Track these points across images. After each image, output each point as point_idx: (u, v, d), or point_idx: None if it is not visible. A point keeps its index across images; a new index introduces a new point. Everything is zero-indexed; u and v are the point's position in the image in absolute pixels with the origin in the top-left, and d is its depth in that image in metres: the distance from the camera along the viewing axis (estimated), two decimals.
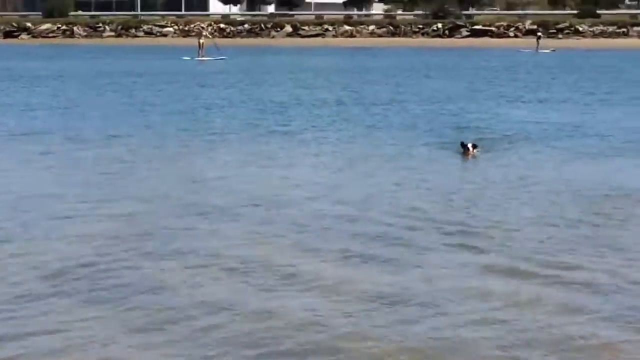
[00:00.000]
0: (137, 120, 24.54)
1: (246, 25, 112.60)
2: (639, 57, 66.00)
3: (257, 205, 12.99)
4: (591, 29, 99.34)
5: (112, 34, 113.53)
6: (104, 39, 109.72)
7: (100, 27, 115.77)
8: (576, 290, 8.94)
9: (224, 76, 44.97)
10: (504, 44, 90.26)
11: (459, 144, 17.90)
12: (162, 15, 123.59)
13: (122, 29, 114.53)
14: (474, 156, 17.34)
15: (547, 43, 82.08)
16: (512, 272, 9.51)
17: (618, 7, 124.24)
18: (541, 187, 14.43)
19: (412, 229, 11.46)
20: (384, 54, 75.00)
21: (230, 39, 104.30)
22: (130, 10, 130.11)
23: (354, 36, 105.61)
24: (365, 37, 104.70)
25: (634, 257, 10.16)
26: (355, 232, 11.33)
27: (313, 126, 23.21)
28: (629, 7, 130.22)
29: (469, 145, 17.56)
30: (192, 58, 62.06)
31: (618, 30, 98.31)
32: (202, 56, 62.71)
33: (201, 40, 64.54)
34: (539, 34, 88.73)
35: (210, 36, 67.23)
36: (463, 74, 47.56)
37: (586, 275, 9.44)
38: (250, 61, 62.01)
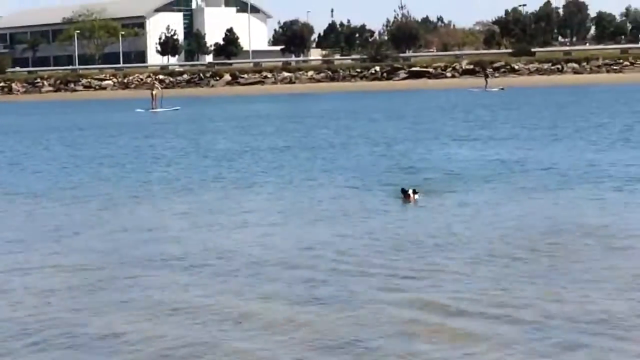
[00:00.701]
0: (86, 173, 24.62)
1: (185, 76, 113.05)
2: (575, 92, 67.17)
3: (196, 254, 13.11)
4: (526, 67, 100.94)
5: (51, 88, 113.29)
6: (43, 94, 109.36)
7: (38, 82, 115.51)
8: (503, 325, 9.12)
9: (175, 126, 45.08)
10: (442, 85, 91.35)
11: (400, 190, 17.67)
12: (100, 69, 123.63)
13: (60, 83, 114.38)
14: (415, 201, 17.13)
15: (493, 82, 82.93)
16: (439, 310, 9.69)
17: (551, 45, 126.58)
18: (479, 227, 14.58)
19: (345, 273, 11.55)
20: (324, 98, 75.51)
21: (170, 90, 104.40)
22: (68, 65, 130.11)
23: (293, 82, 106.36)
24: (305, 82, 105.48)
25: (565, 292, 10.36)
26: (288, 277, 11.41)
27: (259, 173, 23.30)
28: (561, 44, 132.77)
29: (410, 191, 17.38)
30: (146, 110, 62.03)
31: (553, 67, 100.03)
32: (155, 107, 62.66)
33: (154, 92, 64.48)
34: (488, 72, 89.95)
35: (159, 88, 67.12)
36: (408, 115, 47.95)
37: (513, 311, 9.63)
38: (197, 111, 62.10)
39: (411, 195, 17.27)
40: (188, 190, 20.51)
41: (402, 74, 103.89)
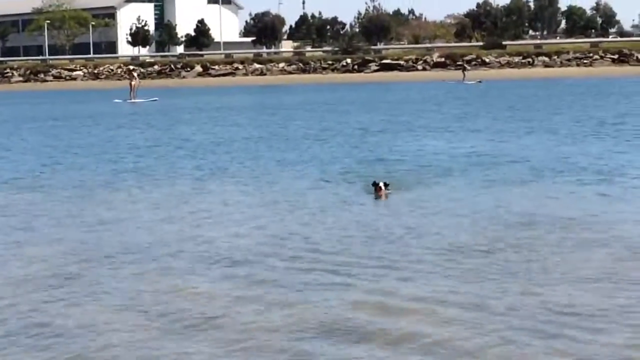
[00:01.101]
0: (62, 163, 24.67)
1: (156, 67, 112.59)
2: (549, 85, 67.52)
3: (166, 245, 13.11)
4: (497, 60, 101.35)
5: (21, 79, 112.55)
6: (12, 84, 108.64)
7: (8, 72, 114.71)
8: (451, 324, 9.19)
9: (150, 117, 44.95)
10: (414, 78, 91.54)
11: (372, 183, 17.53)
12: (71, 59, 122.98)
13: (30, 73, 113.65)
14: (385, 195, 17.00)
15: (469, 74, 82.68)
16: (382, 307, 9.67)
17: (522, 38, 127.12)
18: (448, 220, 14.67)
19: (306, 271, 11.51)
20: (296, 90, 75.42)
21: (141, 80, 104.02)
22: (38, 55, 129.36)
23: (265, 74, 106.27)
24: (276, 74, 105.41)
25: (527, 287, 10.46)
26: (247, 273, 11.44)
27: (232, 164, 23.29)
28: (532, 37, 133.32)
29: (381, 184, 17.22)
30: (124, 100, 61.57)
31: (524, 61, 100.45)
32: (134, 98, 62.24)
33: (133, 82, 64.04)
34: (466, 65, 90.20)
35: (137, 79, 66.51)
36: (381, 107, 47.98)
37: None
38: (171, 102, 61.57)
39: (382, 188, 17.13)
40: (162, 181, 20.51)
41: (374, 66, 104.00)
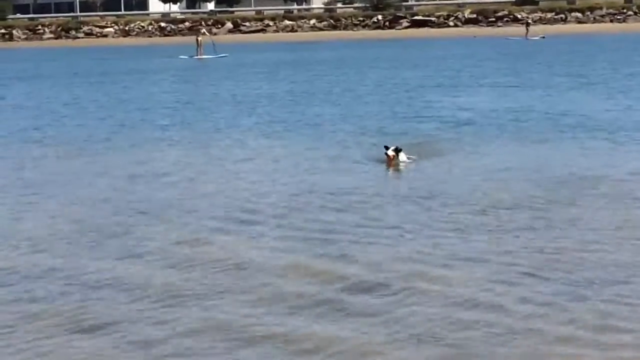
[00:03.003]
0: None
1: (187, 23, 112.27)
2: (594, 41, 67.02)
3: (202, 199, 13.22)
4: (529, 16, 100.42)
5: (52, 36, 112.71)
6: (43, 42, 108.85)
7: (39, 29, 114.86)
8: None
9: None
10: (445, 34, 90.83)
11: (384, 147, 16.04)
12: (102, 16, 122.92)
13: (62, 30, 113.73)
14: (395, 161, 15.67)
15: (525, 31, 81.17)
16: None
17: None
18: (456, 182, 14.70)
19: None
20: (334, 47, 74.58)
21: (171, 37, 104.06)
22: (69, 12, 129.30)
23: (295, 31, 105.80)
24: (307, 31, 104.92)
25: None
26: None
27: (268, 122, 23.46)
28: None
29: (389, 151, 15.71)
30: (191, 57, 61.01)
31: (556, 17, 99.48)
32: (201, 54, 61.72)
33: (199, 38, 63.54)
34: (529, 21, 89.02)
35: (208, 34, 65.79)
36: (431, 64, 47.39)
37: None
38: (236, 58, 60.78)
39: (390, 154, 15.70)
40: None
41: (405, 22, 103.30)
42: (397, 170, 15.55)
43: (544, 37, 76.09)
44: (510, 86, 31.77)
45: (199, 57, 61.10)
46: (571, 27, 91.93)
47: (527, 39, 76.38)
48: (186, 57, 61.01)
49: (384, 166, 15.82)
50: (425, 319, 7.89)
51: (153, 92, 34.76)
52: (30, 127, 23.60)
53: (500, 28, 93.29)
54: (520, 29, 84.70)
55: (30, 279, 9.46)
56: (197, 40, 63.77)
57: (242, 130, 21.62)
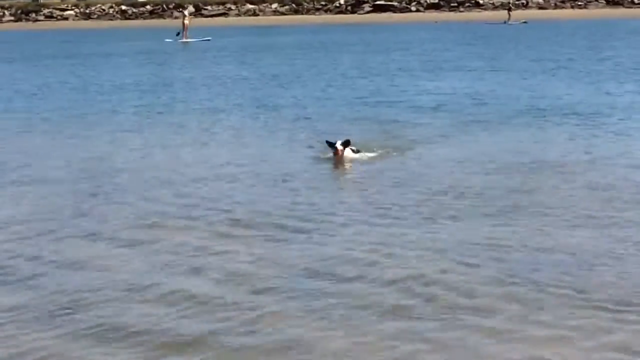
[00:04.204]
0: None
1: (148, 7, 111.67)
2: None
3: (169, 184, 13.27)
4: (491, 2, 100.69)
5: (12, 18, 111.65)
6: (3, 24, 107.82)
7: None
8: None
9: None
10: (407, 19, 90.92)
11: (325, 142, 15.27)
12: None
13: (22, 13, 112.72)
14: (342, 156, 14.74)
15: (507, 15, 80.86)
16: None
17: None
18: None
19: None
20: (297, 31, 74.38)
21: (132, 21, 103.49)
22: None
23: (257, 15, 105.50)
24: (269, 15, 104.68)
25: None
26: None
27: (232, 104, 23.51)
28: None
29: (338, 145, 14.80)
30: (175, 40, 60.61)
31: (517, 2, 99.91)
32: (186, 37, 61.35)
33: (185, 22, 63.12)
34: (511, 5, 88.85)
35: (188, 17, 65.38)
36: (403, 48, 47.41)
37: None
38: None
39: (339, 148, 14.76)
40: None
41: (367, 7, 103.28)
42: (344, 166, 14.64)
43: (525, 22, 76.11)
44: (482, 70, 31.97)
45: (183, 40, 60.74)
46: (533, 13, 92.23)
47: (508, 23, 76.40)
48: (171, 40, 60.66)
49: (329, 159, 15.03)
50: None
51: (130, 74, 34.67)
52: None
53: (462, 13, 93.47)
54: (499, 14, 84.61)
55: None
56: (183, 23, 63.50)
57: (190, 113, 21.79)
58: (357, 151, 15.14)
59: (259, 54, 45.51)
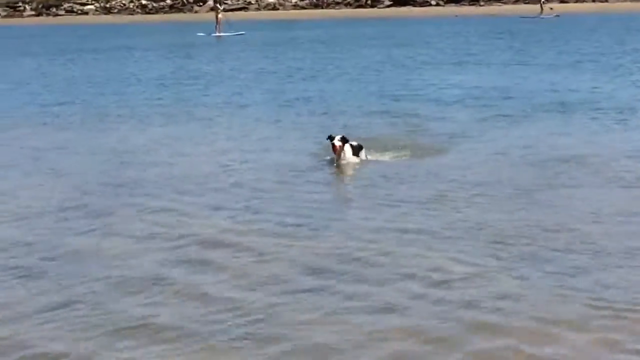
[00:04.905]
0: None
1: (168, 1, 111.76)
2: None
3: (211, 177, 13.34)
4: None
5: (33, 12, 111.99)
6: (24, 19, 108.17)
7: (20, 6, 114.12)
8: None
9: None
10: (427, 13, 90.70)
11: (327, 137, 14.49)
12: None
13: (42, 7, 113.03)
14: (342, 152, 14.03)
15: (540, 9, 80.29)
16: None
17: None
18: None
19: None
20: (318, 25, 74.15)
21: (153, 15, 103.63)
22: None
23: (277, 9, 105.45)
24: (289, 9, 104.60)
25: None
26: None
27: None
28: None
29: (335, 140, 14.04)
30: (209, 34, 60.45)
31: None
32: (220, 32, 61.27)
33: (219, 16, 63.04)
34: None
35: (221, 10, 65.22)
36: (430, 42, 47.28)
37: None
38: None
39: (337, 144, 14.01)
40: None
41: (387, 1, 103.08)
42: (344, 163, 14.03)
43: (558, 16, 75.63)
44: (507, 64, 31.92)
45: (217, 34, 60.51)
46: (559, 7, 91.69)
47: (540, 17, 75.92)
48: (203, 34, 60.49)
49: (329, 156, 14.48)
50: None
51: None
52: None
53: (482, 7, 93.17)
54: (522, 7, 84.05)
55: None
56: (216, 17, 63.43)
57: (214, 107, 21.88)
58: (360, 147, 14.38)
59: (281, 48, 45.53)
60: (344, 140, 14.04)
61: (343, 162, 13.94)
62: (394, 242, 9.60)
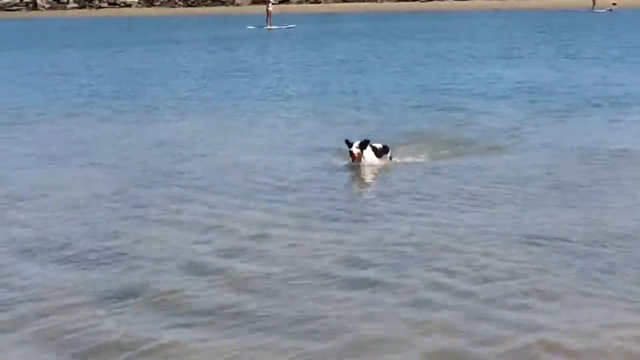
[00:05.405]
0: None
1: None
2: None
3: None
4: None
5: (76, 5, 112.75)
6: (67, 11, 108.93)
7: None
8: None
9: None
10: (469, 7, 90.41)
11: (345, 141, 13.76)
12: None
13: (85, 0, 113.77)
14: (361, 158, 13.35)
15: (592, 3, 79.61)
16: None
17: None
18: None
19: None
20: (361, 18, 74.05)
21: (195, 8, 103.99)
22: None
23: (319, 2, 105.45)
24: (330, 2, 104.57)
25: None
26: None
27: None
28: None
29: (353, 148, 13.32)
30: (260, 27, 60.50)
31: None
32: (270, 24, 61.29)
33: (269, 8, 63.13)
34: None
35: (274, 3, 65.49)
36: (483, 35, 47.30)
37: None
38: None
39: (355, 151, 13.30)
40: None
41: None
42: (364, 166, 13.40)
43: (611, 10, 74.96)
44: (554, 58, 31.75)
45: (268, 27, 60.42)
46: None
47: (593, 11, 75.27)
48: (253, 27, 60.42)
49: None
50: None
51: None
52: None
53: (523, 1, 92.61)
54: (581, 0, 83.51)
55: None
56: (267, 10, 63.43)
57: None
58: (385, 149, 13.74)
59: (325, 41, 45.57)
60: (363, 145, 13.36)
61: (364, 164, 13.28)
62: (432, 237, 9.53)
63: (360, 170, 13.19)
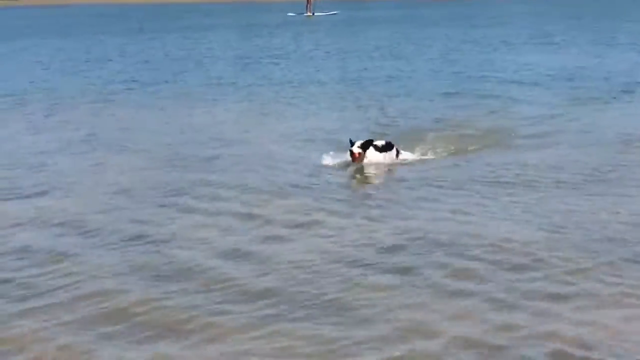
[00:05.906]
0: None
1: None
2: None
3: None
4: None
5: None
6: None
7: None
8: None
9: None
10: None
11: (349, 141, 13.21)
12: None
13: None
14: (361, 159, 12.83)
15: None
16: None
17: None
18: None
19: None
20: (391, 6, 73.81)
21: None
22: None
23: None
24: None
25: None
26: None
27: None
28: None
29: (354, 148, 12.88)
30: (300, 14, 60.20)
31: None
32: (311, 11, 61.05)
33: None
34: None
35: None
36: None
37: None
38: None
39: (355, 151, 12.85)
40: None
41: None
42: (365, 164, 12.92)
43: None
44: (587, 44, 31.63)
45: (308, 14, 60.15)
46: None
47: None
48: (294, 14, 60.14)
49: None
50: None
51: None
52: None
53: None
54: None
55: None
56: None
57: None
58: (389, 145, 13.14)
59: (359, 27, 45.54)
60: (366, 145, 12.93)
61: (365, 162, 12.81)
62: (461, 228, 9.39)
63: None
